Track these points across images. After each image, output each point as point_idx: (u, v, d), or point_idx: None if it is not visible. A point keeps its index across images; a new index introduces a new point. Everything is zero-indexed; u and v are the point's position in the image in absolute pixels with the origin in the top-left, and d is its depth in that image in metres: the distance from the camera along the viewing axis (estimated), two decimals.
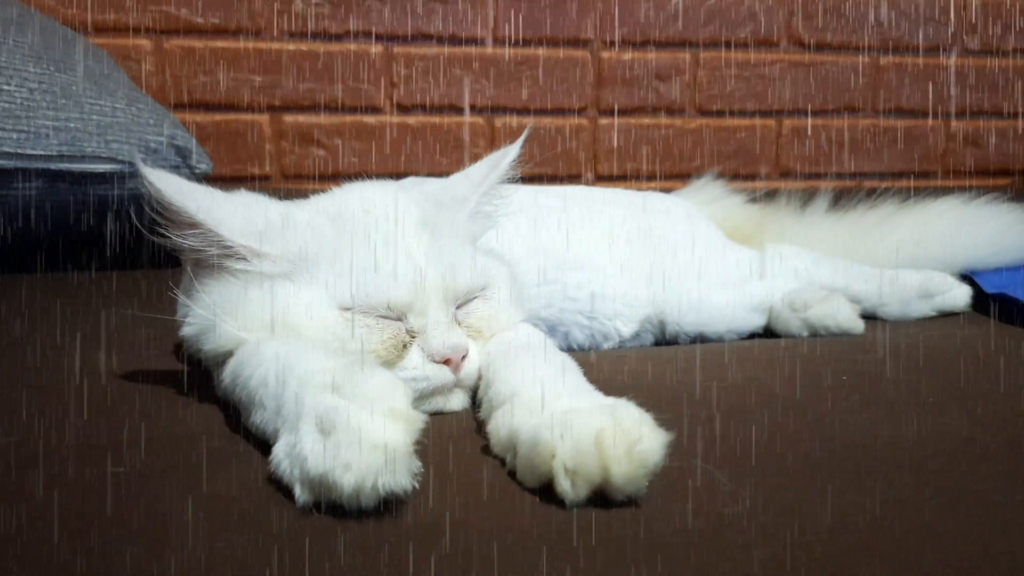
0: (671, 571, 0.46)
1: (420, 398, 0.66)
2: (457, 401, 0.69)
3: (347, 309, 0.66)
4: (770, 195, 1.33)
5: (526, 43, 1.82)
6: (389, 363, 0.66)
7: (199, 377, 0.74)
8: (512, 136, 1.78)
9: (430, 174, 1.55)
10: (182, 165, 1.26)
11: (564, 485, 0.52)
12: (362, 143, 1.78)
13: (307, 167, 1.76)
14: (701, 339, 1.05)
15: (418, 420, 0.53)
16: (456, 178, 0.81)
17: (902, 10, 1.97)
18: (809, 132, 1.97)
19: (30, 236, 1.18)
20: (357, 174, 0.81)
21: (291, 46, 1.73)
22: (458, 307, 0.70)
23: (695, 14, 1.88)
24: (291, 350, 0.60)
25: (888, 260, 1.18)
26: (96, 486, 0.54)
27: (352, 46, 1.75)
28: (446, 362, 0.67)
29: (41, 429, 0.64)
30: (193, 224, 0.66)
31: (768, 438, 0.64)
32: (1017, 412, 0.72)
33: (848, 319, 1.01)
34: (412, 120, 1.79)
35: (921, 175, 2.04)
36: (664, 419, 0.54)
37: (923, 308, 1.11)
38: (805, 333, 1.03)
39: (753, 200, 1.30)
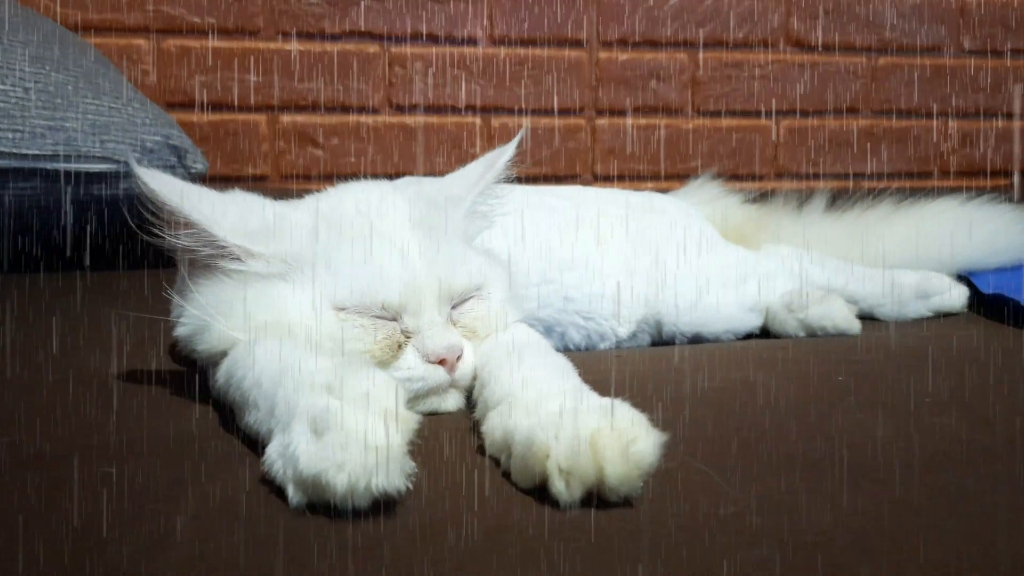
0: (666, 571, 0.46)
1: (415, 398, 0.66)
2: (452, 401, 0.69)
3: (342, 309, 0.65)
4: (767, 195, 1.33)
5: (523, 43, 1.82)
6: (384, 363, 0.65)
7: (193, 378, 0.74)
8: (509, 136, 1.78)
9: (427, 174, 1.55)
10: (178, 165, 1.26)
11: (559, 486, 0.52)
12: (359, 143, 1.78)
13: (304, 167, 1.76)
14: (698, 339, 1.05)
15: (412, 420, 0.53)
16: (452, 178, 0.81)
17: (900, 11, 1.97)
18: (806, 132, 1.97)
19: (25, 236, 1.18)
20: (354, 174, 0.81)
21: (288, 46, 1.73)
22: (453, 307, 0.70)
23: (692, 14, 1.88)
24: (285, 350, 0.60)
25: (885, 260, 1.18)
26: (89, 487, 0.54)
27: (349, 46, 1.75)
28: (441, 362, 0.67)
29: (35, 430, 0.64)
30: (187, 224, 0.66)
31: (764, 438, 0.64)
32: (1014, 412, 0.72)
33: (845, 319, 1.01)
34: (409, 120, 1.79)
35: (918, 176, 2.04)
36: (659, 419, 0.54)
37: (920, 308, 1.11)
38: (802, 333, 1.03)
39: (750, 200, 1.29)
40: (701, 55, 1.90)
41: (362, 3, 1.74)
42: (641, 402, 0.55)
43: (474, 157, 0.82)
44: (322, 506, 0.49)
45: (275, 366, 0.59)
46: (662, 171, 1.91)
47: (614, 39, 1.86)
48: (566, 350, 0.94)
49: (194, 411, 0.68)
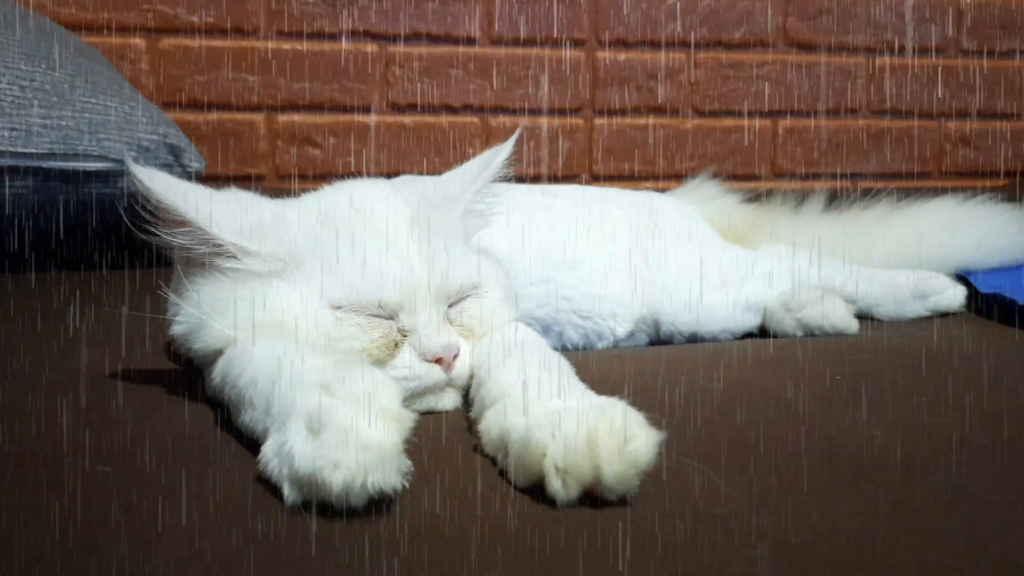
0: (663, 571, 0.45)
1: (411, 397, 0.66)
2: (449, 400, 0.69)
3: (338, 308, 0.65)
4: (765, 195, 1.33)
5: (521, 43, 1.82)
6: (380, 362, 0.65)
7: (189, 376, 0.73)
8: (507, 136, 1.77)
9: (424, 174, 1.54)
10: (175, 164, 1.26)
11: (555, 484, 0.51)
12: (357, 142, 1.77)
13: (301, 166, 1.76)
14: (695, 339, 1.05)
15: (408, 419, 0.53)
16: (448, 176, 0.81)
17: (897, 11, 1.97)
18: (804, 133, 1.97)
19: (21, 235, 1.17)
20: (352, 173, 0.81)
21: (286, 45, 1.72)
22: (450, 306, 0.70)
23: (691, 14, 1.88)
24: (281, 349, 0.60)
25: (883, 260, 1.18)
26: (84, 485, 0.54)
27: (347, 45, 1.75)
28: (438, 361, 0.67)
29: (30, 429, 0.64)
30: (183, 222, 0.66)
31: (761, 438, 0.64)
32: (1011, 412, 0.72)
33: (842, 319, 1.01)
34: (407, 120, 1.79)
35: (916, 176, 2.04)
36: (656, 418, 0.54)
37: (917, 308, 1.11)
38: (799, 333, 1.03)
39: (748, 200, 1.29)
40: (699, 55, 1.90)
41: (359, 2, 1.74)
42: (638, 401, 0.55)
43: (472, 157, 0.82)
44: (318, 505, 0.49)
45: (271, 364, 0.59)
46: (660, 171, 1.91)
47: (612, 39, 1.86)
48: (563, 349, 0.94)
49: (190, 410, 0.68)
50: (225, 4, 1.69)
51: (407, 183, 0.83)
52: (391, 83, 1.77)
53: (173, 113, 1.66)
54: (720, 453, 0.61)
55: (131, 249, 1.20)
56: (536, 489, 0.53)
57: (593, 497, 0.51)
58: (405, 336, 0.67)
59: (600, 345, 1.02)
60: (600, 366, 0.85)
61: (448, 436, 0.64)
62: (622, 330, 1.02)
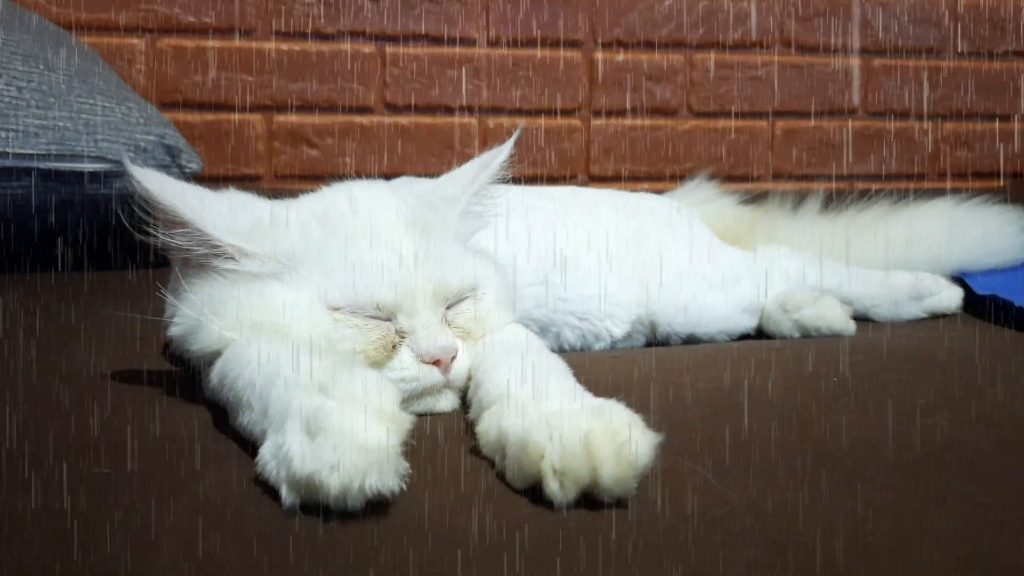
0: (660, 572, 0.46)
1: (409, 399, 0.66)
2: (446, 402, 0.69)
3: (336, 309, 0.65)
4: (762, 196, 1.33)
5: (519, 44, 1.82)
6: (378, 364, 0.65)
7: (187, 378, 0.73)
8: (505, 137, 1.77)
9: (422, 175, 1.54)
10: (172, 164, 1.26)
11: (553, 486, 0.51)
12: (354, 143, 1.77)
13: (299, 167, 1.76)
14: (692, 340, 1.05)
15: (406, 421, 0.53)
16: (446, 178, 0.81)
17: (894, 13, 1.97)
18: (801, 134, 1.98)
19: (18, 235, 1.17)
20: (349, 174, 0.80)
21: (283, 45, 1.72)
22: (448, 307, 0.70)
23: (688, 15, 1.88)
24: (279, 350, 0.60)
25: (879, 261, 1.18)
26: (81, 487, 0.54)
27: (344, 46, 1.75)
28: (435, 363, 0.67)
29: (27, 429, 0.64)
30: (181, 223, 0.66)
31: (758, 439, 0.64)
32: (1007, 414, 0.72)
33: (839, 320, 1.01)
34: (404, 120, 1.79)
35: (913, 177, 2.04)
36: (654, 420, 0.54)
37: (914, 309, 1.11)
38: (796, 334, 1.03)
39: (745, 201, 1.30)
40: (696, 56, 1.90)
41: (357, 2, 1.74)
42: (635, 403, 0.55)
43: (469, 158, 0.82)
44: (315, 507, 0.49)
45: (269, 366, 0.59)
46: (657, 172, 1.91)
47: (610, 40, 1.86)
48: (561, 351, 0.94)
49: (187, 411, 0.68)
50: (222, 4, 1.69)
51: (405, 184, 0.83)
52: (388, 84, 1.77)
53: (170, 113, 1.66)
54: (717, 455, 0.61)
55: (128, 250, 1.20)
56: (534, 491, 0.53)
57: (591, 499, 0.51)
58: (403, 338, 0.67)
59: (597, 346, 1.02)
60: (597, 368, 0.85)
61: (446, 438, 0.64)
62: (619, 331, 1.02)
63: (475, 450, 0.60)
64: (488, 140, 1.83)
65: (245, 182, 1.72)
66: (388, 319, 0.66)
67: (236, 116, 1.72)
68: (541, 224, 1.03)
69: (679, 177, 1.86)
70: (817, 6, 1.93)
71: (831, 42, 1.95)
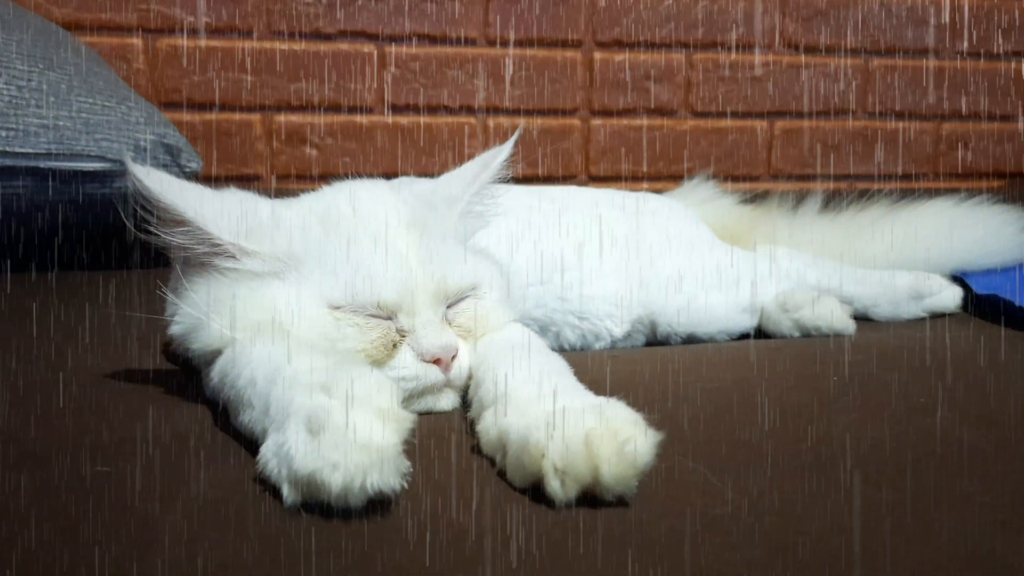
0: (660, 572, 0.46)
1: (410, 398, 0.66)
2: (447, 401, 0.69)
3: (337, 308, 0.65)
4: (762, 196, 1.33)
5: (518, 43, 1.82)
6: (379, 362, 0.65)
7: (187, 376, 0.73)
8: (504, 136, 1.78)
9: (422, 174, 1.54)
10: (172, 164, 1.26)
11: (554, 485, 0.52)
12: (354, 143, 1.77)
13: (299, 167, 1.76)
14: (692, 340, 1.05)
15: (407, 420, 0.53)
16: (447, 178, 0.81)
17: (893, 12, 1.97)
18: (801, 134, 1.98)
19: (17, 234, 1.17)
20: (349, 174, 0.80)
21: (283, 45, 1.72)
22: (448, 307, 0.70)
23: (687, 16, 1.88)
24: (280, 349, 0.60)
25: (879, 261, 1.18)
26: (82, 486, 0.54)
27: (344, 46, 1.75)
28: (436, 362, 0.67)
29: (28, 429, 0.64)
30: (182, 222, 0.66)
31: (758, 439, 0.64)
32: (1006, 413, 0.72)
33: (839, 320, 1.02)
34: (404, 120, 1.79)
35: (912, 177, 2.04)
36: (654, 419, 0.54)
37: (914, 309, 1.12)
38: (796, 334, 1.03)
39: (745, 201, 1.30)
40: (696, 56, 1.90)
41: (357, 2, 1.74)
42: (636, 402, 0.55)
43: (469, 157, 0.82)
44: (317, 506, 0.49)
45: (270, 365, 0.59)
46: (657, 172, 1.91)
47: (609, 40, 1.86)
48: (561, 350, 0.94)
49: (188, 410, 0.68)
50: (222, 4, 1.69)
51: (406, 184, 0.83)
52: (388, 83, 1.77)
53: (170, 113, 1.66)
54: (717, 454, 0.61)
55: (129, 249, 1.20)
56: (535, 490, 0.53)
57: (591, 498, 0.52)
58: (403, 337, 0.67)
59: (597, 346, 1.02)
60: (598, 367, 0.85)
61: (447, 437, 0.64)
62: (619, 331, 1.03)
63: (476, 449, 0.60)
64: (488, 140, 1.83)
65: (245, 182, 1.72)
66: (389, 318, 0.67)
67: (236, 116, 1.72)
68: (541, 224, 1.03)
69: (679, 177, 1.86)
70: (817, 6, 1.94)
71: (831, 42, 1.95)
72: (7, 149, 1.12)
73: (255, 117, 1.73)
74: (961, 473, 0.59)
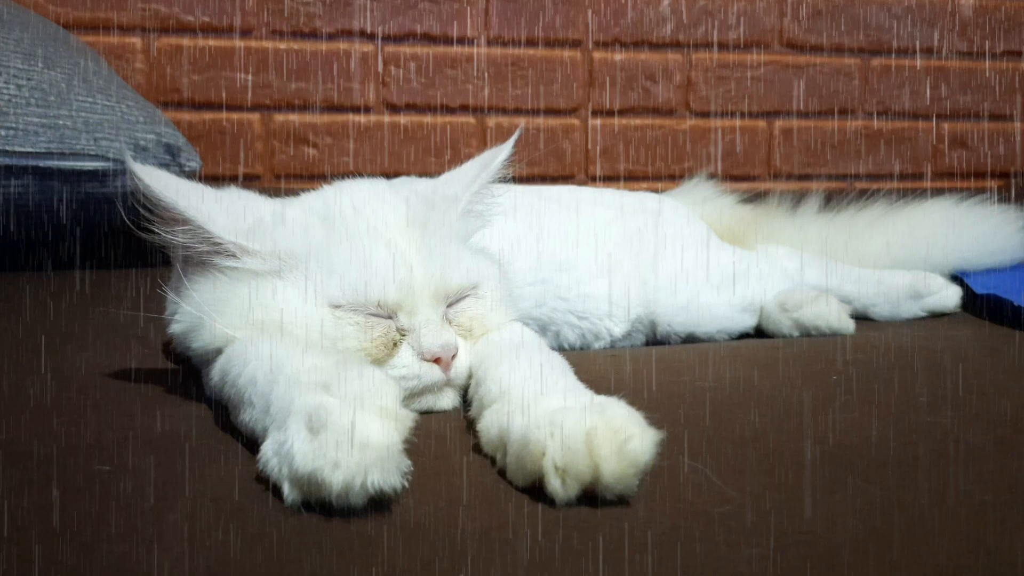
0: (660, 570, 0.46)
1: (410, 397, 0.66)
2: (447, 400, 0.69)
3: (337, 307, 0.65)
4: (761, 196, 1.33)
5: (518, 43, 1.82)
6: (379, 361, 0.65)
7: (188, 375, 0.73)
8: (504, 136, 1.78)
9: (421, 174, 1.54)
10: (171, 163, 1.26)
11: (554, 484, 0.52)
12: (353, 143, 1.77)
13: (298, 166, 1.76)
14: (692, 339, 1.05)
15: (408, 419, 0.53)
16: (447, 177, 0.81)
17: (893, 12, 1.97)
18: (800, 133, 1.98)
19: (18, 233, 1.17)
20: (348, 174, 0.80)
21: (282, 45, 1.72)
22: (448, 306, 0.70)
23: (687, 15, 1.88)
24: (280, 348, 0.60)
25: (878, 261, 1.18)
26: (82, 485, 0.54)
27: (343, 45, 1.75)
28: (436, 361, 0.67)
29: (28, 428, 0.64)
30: (182, 220, 0.66)
31: (758, 437, 0.64)
32: (1006, 412, 0.72)
33: (839, 319, 1.02)
34: (403, 120, 1.79)
35: (911, 177, 2.04)
36: (654, 418, 0.54)
37: (913, 309, 1.12)
38: (796, 333, 1.03)
39: (745, 201, 1.30)
40: (695, 56, 1.90)
41: (356, 2, 1.74)
42: (636, 401, 0.55)
43: (469, 157, 0.82)
44: (317, 504, 0.49)
45: (270, 363, 0.59)
46: (657, 171, 1.91)
47: (609, 39, 1.86)
48: (561, 349, 0.94)
49: (188, 409, 0.68)
50: (221, 3, 1.69)
51: (406, 184, 0.83)
52: (387, 83, 1.77)
53: (169, 112, 1.66)
54: (718, 452, 0.61)
55: (128, 248, 1.20)
56: (535, 488, 0.53)
57: (592, 496, 0.52)
58: (404, 335, 0.67)
59: (597, 345, 1.02)
60: (598, 366, 0.85)
61: (447, 436, 0.64)
62: (619, 330, 1.03)
63: (476, 448, 0.61)
64: (487, 140, 1.83)
65: (244, 182, 1.72)
66: (389, 317, 0.67)
67: (235, 115, 1.72)
68: (541, 223, 1.03)
69: (678, 176, 1.86)
70: (817, 6, 1.94)
71: (831, 42, 1.95)
72: (7, 148, 1.12)
73: (254, 116, 1.73)
74: (962, 472, 0.59)
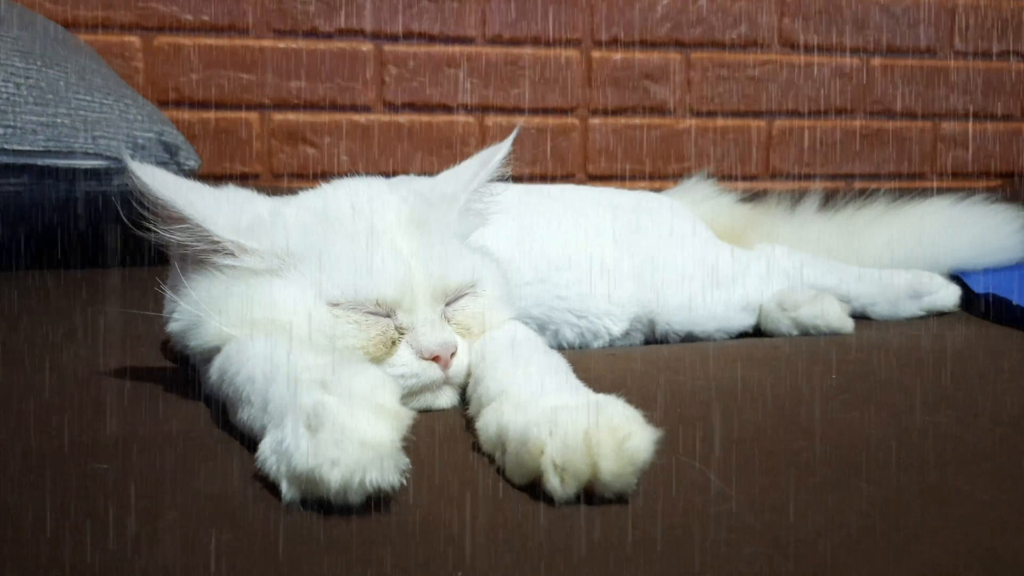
0: (659, 569, 0.46)
1: (409, 395, 0.66)
2: (446, 398, 0.69)
3: (335, 305, 0.65)
4: (760, 195, 1.33)
5: (517, 42, 1.82)
6: (378, 360, 0.65)
7: (186, 374, 0.73)
8: (503, 135, 1.77)
9: (420, 173, 1.54)
10: (170, 162, 1.26)
11: (553, 482, 0.51)
12: (352, 142, 1.77)
13: (296, 165, 1.76)
14: (691, 338, 1.05)
15: (406, 417, 0.53)
16: (446, 175, 0.81)
17: (892, 12, 1.97)
18: (799, 133, 1.98)
19: (16, 233, 1.17)
20: (347, 173, 0.80)
21: (281, 44, 1.72)
22: (447, 304, 0.70)
23: (686, 15, 1.88)
24: (278, 346, 0.60)
25: (877, 260, 1.18)
26: (80, 484, 0.54)
27: (342, 44, 1.75)
28: (435, 359, 0.67)
29: (26, 427, 0.64)
30: (180, 219, 0.66)
31: (757, 436, 0.64)
32: (1005, 411, 0.72)
33: (838, 318, 1.02)
34: (402, 119, 1.79)
35: (910, 176, 2.04)
36: (653, 417, 0.54)
37: (912, 308, 1.12)
38: (795, 332, 1.03)
39: (743, 200, 1.30)
40: (694, 55, 1.90)
41: (355, 1, 1.74)
42: (635, 399, 0.55)
43: (468, 156, 0.82)
44: (316, 502, 0.49)
45: (269, 362, 0.59)
46: (655, 171, 1.91)
47: (608, 39, 1.86)
48: (560, 348, 0.94)
49: (186, 407, 0.68)
50: (220, 2, 1.69)
51: (405, 182, 0.83)
52: (386, 82, 1.77)
53: (168, 111, 1.66)
54: (716, 451, 0.61)
55: (126, 247, 1.20)
56: (534, 487, 0.53)
57: (590, 495, 0.51)
58: (402, 334, 0.67)
59: (596, 344, 1.02)
60: (596, 365, 0.85)
61: (445, 434, 0.64)
62: (618, 329, 1.03)
63: (475, 446, 0.60)
64: (486, 139, 1.83)
65: (243, 180, 1.72)
66: (388, 315, 0.66)
67: (233, 114, 1.72)
68: (539, 222, 1.03)
69: (677, 176, 1.86)
70: (817, 6, 1.94)
71: (830, 42, 1.95)
72: (5, 147, 1.12)
73: (253, 115, 1.73)
74: (961, 471, 0.59)
